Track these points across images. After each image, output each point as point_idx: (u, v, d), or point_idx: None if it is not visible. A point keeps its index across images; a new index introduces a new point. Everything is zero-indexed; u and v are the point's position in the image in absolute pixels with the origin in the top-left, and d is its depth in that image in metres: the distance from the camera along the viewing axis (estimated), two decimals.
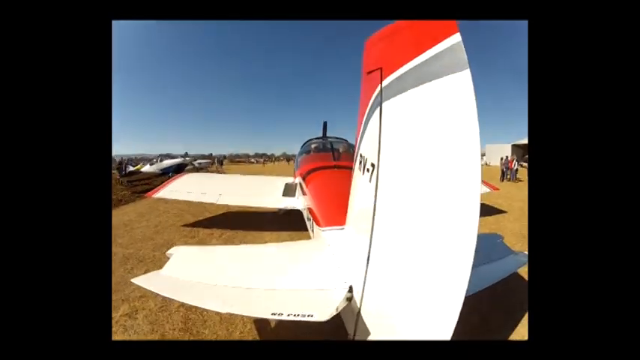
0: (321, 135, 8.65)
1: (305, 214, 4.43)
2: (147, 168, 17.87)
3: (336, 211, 2.96)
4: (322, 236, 2.82)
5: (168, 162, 18.67)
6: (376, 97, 1.53)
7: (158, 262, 4.70)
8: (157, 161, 19.03)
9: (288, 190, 6.59)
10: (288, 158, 74.64)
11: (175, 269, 2.32)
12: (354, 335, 1.76)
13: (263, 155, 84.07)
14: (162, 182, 14.86)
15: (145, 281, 2.10)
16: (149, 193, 6.99)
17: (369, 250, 1.72)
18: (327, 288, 1.98)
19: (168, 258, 2.45)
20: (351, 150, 5.58)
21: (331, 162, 4.96)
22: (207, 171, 18.96)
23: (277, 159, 77.04)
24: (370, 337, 1.67)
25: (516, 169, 18.68)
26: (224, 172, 18.04)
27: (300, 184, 5.17)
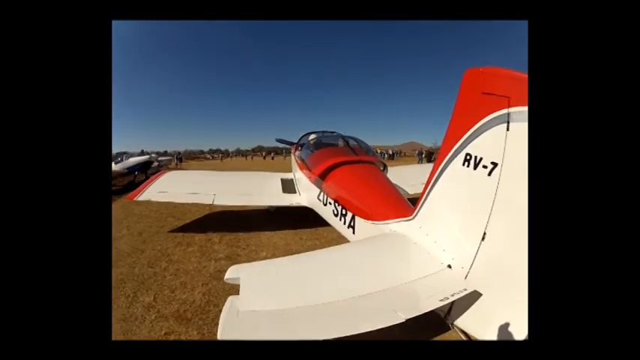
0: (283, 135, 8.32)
1: (331, 209, 4.28)
2: (112, 167, 16.82)
3: (392, 205, 3.18)
4: (390, 229, 2.92)
5: (134, 160, 17.58)
6: (500, 115, 1.88)
7: (161, 280, 3.87)
8: (121, 160, 17.93)
9: (288, 187, 6.34)
10: (244, 154, 77.32)
11: (258, 298, 1.83)
12: (451, 306, 2.05)
13: (217, 151, 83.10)
14: (129, 182, 13.76)
15: (235, 331, 1.59)
16: (129, 195, 6.02)
17: (484, 234, 1.97)
18: (436, 270, 2.20)
19: (233, 284, 1.99)
20: (351, 143, 5.43)
21: (354, 156, 4.83)
22: (168, 168, 17.85)
23: (233, 155, 76.80)
24: (463, 314, 2.00)
25: None
26: (184, 169, 17.39)
27: (317, 180, 4.93)
